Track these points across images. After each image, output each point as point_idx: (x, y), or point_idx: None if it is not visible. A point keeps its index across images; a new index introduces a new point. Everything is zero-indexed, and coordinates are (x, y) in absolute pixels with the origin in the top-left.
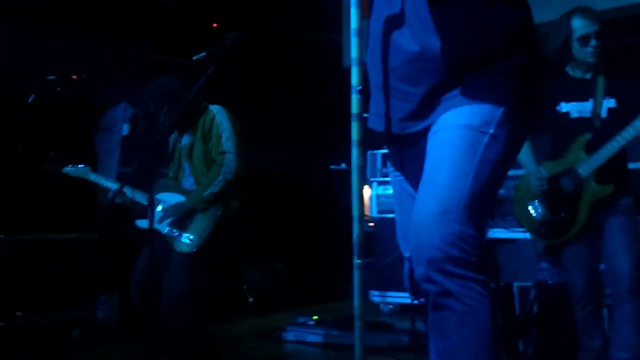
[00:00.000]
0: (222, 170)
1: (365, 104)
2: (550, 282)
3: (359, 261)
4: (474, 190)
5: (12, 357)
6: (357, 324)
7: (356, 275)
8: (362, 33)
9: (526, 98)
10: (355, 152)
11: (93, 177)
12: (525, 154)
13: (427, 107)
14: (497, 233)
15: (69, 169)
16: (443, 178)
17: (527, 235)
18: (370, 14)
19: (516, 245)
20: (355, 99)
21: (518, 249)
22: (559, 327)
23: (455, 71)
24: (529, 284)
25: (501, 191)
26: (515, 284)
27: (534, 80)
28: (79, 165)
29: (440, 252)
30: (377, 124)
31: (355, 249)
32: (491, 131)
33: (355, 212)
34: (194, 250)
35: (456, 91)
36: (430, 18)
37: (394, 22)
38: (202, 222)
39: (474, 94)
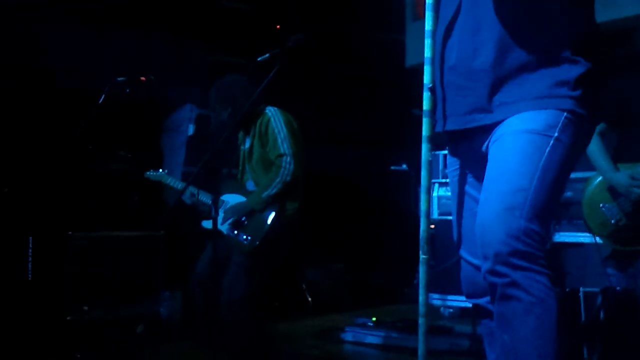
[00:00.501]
0: (280, 172)
1: (418, 105)
2: (618, 288)
3: (424, 257)
4: (538, 190)
5: (77, 351)
6: (421, 321)
7: (422, 270)
8: (434, 34)
9: (588, 104)
10: (425, 147)
11: (170, 180)
12: (599, 155)
13: (490, 101)
14: (563, 237)
15: (149, 173)
16: (508, 179)
17: (595, 239)
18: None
19: (583, 250)
20: (426, 96)
21: (585, 254)
22: (626, 335)
23: (516, 67)
24: (596, 289)
25: (568, 194)
26: (582, 289)
27: (596, 87)
28: (159, 171)
29: (506, 246)
30: (438, 125)
31: (422, 244)
32: (555, 134)
33: (423, 207)
34: (251, 250)
35: (519, 93)
36: (489, 18)
37: (454, 22)
38: (258, 223)
39: (537, 101)
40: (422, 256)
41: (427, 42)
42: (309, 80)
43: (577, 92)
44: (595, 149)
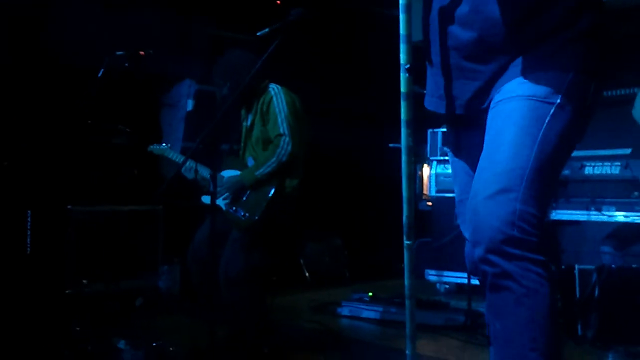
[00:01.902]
0: (276, 152)
1: (417, 83)
2: (613, 266)
3: (408, 242)
4: (537, 166)
5: (77, 324)
6: (407, 303)
7: (406, 256)
8: (410, 9)
9: (595, 62)
10: (404, 132)
11: (172, 155)
12: None
13: (492, 84)
14: (560, 215)
15: (153, 147)
16: (504, 154)
17: (591, 218)
18: None
19: (580, 228)
20: (403, 77)
21: (581, 232)
22: (620, 312)
23: (523, 44)
24: (591, 267)
25: (566, 172)
26: (577, 266)
27: (602, 43)
28: (162, 145)
29: (499, 234)
30: (438, 105)
31: (405, 230)
32: (558, 101)
33: (405, 194)
34: (249, 227)
35: (520, 59)
36: None
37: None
38: (255, 200)
39: (538, 61)
40: (406, 242)
41: (402, 17)
42: (310, 55)
43: (582, 50)
44: None
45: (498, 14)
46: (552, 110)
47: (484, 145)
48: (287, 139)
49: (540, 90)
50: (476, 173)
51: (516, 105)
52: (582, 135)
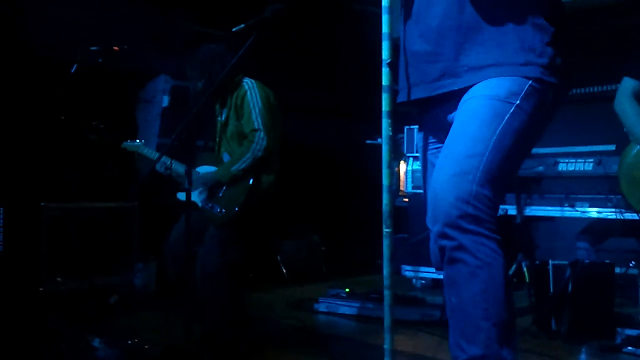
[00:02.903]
0: (251, 147)
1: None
2: (587, 261)
3: (388, 230)
4: (493, 157)
5: (51, 321)
6: (386, 293)
7: (385, 244)
8: (392, 10)
9: (556, 72)
10: (385, 122)
11: (146, 151)
12: (635, 116)
13: (458, 65)
14: (534, 211)
15: (126, 143)
16: (464, 143)
17: (565, 214)
18: None
19: (554, 224)
20: (385, 72)
21: (555, 228)
22: (593, 307)
23: (483, 32)
24: (565, 262)
25: (540, 168)
26: (551, 262)
27: (564, 56)
28: (137, 141)
29: (455, 210)
30: (405, 95)
31: (384, 218)
32: (517, 102)
33: (385, 182)
34: (225, 223)
35: (485, 58)
36: None
37: None
38: (231, 196)
39: (503, 67)
40: (385, 230)
41: (385, 17)
42: (286, 51)
43: (544, 60)
44: (629, 110)
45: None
46: (511, 109)
47: (449, 135)
48: (262, 134)
49: (501, 91)
50: (438, 161)
51: (479, 103)
52: (540, 134)
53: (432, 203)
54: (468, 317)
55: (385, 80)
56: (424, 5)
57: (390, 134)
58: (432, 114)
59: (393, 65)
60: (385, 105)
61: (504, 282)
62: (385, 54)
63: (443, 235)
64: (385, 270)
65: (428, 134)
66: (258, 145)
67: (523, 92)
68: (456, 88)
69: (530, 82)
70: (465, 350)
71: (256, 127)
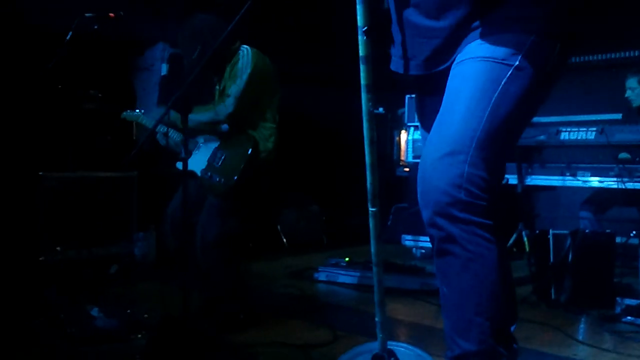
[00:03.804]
0: (217, 109)
1: (379, 45)
2: (587, 231)
3: (373, 209)
4: (489, 129)
5: (50, 291)
6: (375, 270)
7: (371, 223)
8: None
9: (561, 25)
10: (364, 97)
11: (146, 121)
12: None
13: (454, 43)
14: (535, 180)
15: (126, 113)
16: (456, 116)
17: (566, 183)
18: None
19: (555, 193)
20: (361, 40)
21: (557, 197)
22: (593, 276)
23: (482, 3)
24: (566, 232)
25: (542, 137)
26: (552, 231)
27: (571, 8)
28: (136, 110)
29: (446, 196)
30: (399, 65)
31: (370, 197)
32: (516, 63)
33: (368, 159)
34: (224, 192)
35: (482, 18)
36: None
37: None
38: (230, 165)
39: (500, 23)
40: (370, 209)
41: None
42: (286, 20)
43: (547, 9)
44: None
45: None
46: (509, 72)
47: (441, 107)
48: (231, 100)
49: (498, 51)
50: (428, 137)
51: (473, 66)
52: (543, 100)
53: (420, 187)
54: (460, 312)
55: (362, 50)
56: None
57: (371, 109)
58: (428, 87)
59: (370, 33)
60: (364, 79)
61: (498, 273)
62: (360, 20)
63: (432, 224)
64: (373, 248)
65: (425, 104)
66: (223, 108)
67: (524, 50)
68: (450, 63)
69: (533, 37)
70: (459, 345)
71: (228, 93)
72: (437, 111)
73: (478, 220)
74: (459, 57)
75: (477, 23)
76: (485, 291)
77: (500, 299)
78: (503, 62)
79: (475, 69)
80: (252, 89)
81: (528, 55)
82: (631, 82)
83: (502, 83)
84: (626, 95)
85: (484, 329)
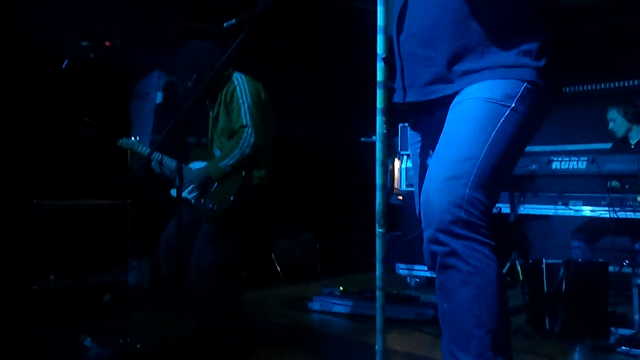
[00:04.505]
0: (239, 144)
1: (390, 74)
2: (580, 260)
3: (381, 230)
4: (487, 160)
5: (44, 320)
6: (379, 294)
7: (378, 244)
8: (388, 2)
9: (550, 75)
10: (379, 119)
11: (141, 148)
12: None
13: (451, 71)
14: (528, 209)
15: (122, 141)
16: (458, 146)
17: (559, 212)
18: None
19: (547, 222)
20: (380, 67)
21: (549, 226)
22: (587, 306)
23: (477, 36)
24: (559, 261)
25: (533, 166)
26: (545, 260)
27: (558, 58)
28: (132, 138)
29: (448, 214)
30: (398, 95)
31: (378, 217)
32: (512, 105)
33: (378, 181)
34: (218, 219)
35: (480, 62)
36: None
37: None
38: (223, 191)
39: (498, 70)
40: (378, 230)
41: (380, 9)
42: (280, 47)
43: (539, 62)
44: None
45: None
46: (506, 113)
47: (441, 136)
48: (250, 130)
49: (497, 94)
50: (431, 163)
51: (474, 105)
52: (533, 135)
53: (424, 207)
54: (460, 325)
55: (379, 76)
56: (420, 6)
57: (385, 131)
58: (424, 117)
59: (388, 61)
60: (379, 102)
61: (498, 288)
62: (380, 48)
63: (435, 241)
64: (378, 271)
65: (419, 133)
66: (246, 142)
67: (518, 95)
68: (449, 93)
69: (526, 84)
70: (458, 358)
71: (244, 123)
72: (432, 130)
73: (479, 238)
74: (459, 97)
75: (474, 64)
76: (485, 304)
77: (500, 314)
78: (501, 103)
79: (476, 107)
80: (257, 111)
81: (522, 100)
82: (612, 114)
83: (501, 121)
84: (609, 128)
85: (483, 341)
